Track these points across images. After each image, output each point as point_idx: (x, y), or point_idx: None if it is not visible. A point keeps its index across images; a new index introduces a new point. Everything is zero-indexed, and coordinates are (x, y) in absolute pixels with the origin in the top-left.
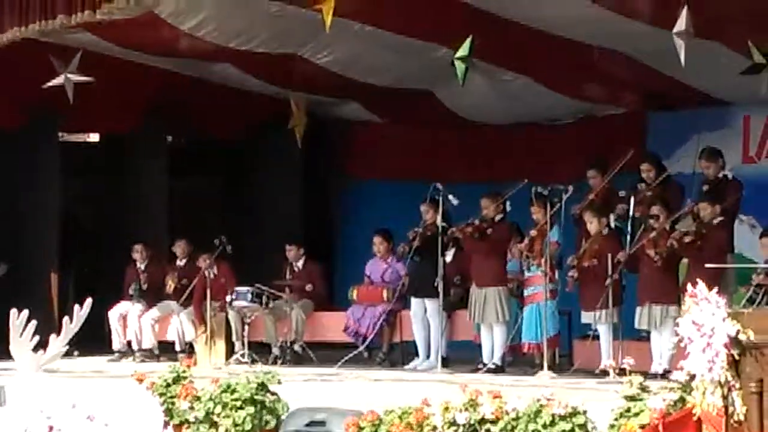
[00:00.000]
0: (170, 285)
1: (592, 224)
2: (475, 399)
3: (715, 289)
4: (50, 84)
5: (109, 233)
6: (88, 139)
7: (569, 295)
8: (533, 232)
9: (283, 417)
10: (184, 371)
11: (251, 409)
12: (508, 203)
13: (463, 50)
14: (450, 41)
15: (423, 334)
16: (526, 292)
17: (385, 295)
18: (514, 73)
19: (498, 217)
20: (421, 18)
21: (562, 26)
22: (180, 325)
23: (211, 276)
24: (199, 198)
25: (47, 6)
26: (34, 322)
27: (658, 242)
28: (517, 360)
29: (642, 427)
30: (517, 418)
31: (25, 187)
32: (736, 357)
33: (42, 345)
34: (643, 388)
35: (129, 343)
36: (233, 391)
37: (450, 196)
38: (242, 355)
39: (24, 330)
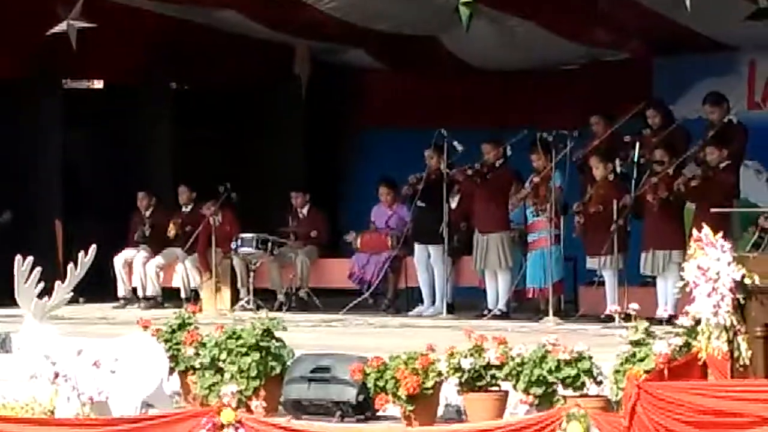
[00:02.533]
0: (171, 230)
1: (598, 170)
2: (481, 345)
3: (721, 234)
4: (53, 31)
5: (113, 180)
6: (92, 86)
7: (574, 241)
8: (537, 179)
9: (288, 363)
10: (189, 317)
11: (256, 356)
12: (508, 149)
13: None
14: None
15: (428, 280)
16: (530, 238)
17: (389, 242)
18: (520, 19)
19: (498, 163)
20: None
21: None
22: (185, 271)
23: (216, 223)
24: (204, 146)
25: None
26: (39, 269)
27: (659, 187)
28: (522, 306)
29: (647, 371)
30: (522, 364)
31: (29, 135)
32: (742, 301)
33: (47, 292)
34: (649, 333)
35: (134, 290)
36: (238, 338)
37: (455, 143)
38: (247, 302)
39: (29, 277)
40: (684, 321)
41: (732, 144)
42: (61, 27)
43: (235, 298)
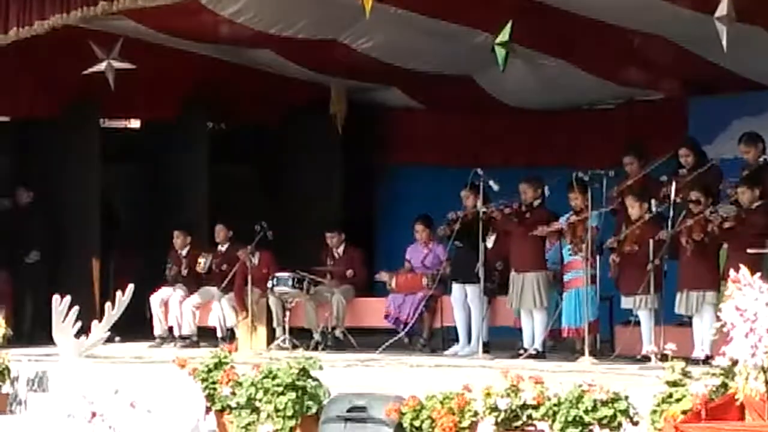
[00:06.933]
0: (201, 264)
1: (634, 209)
2: (517, 384)
3: (758, 274)
4: (91, 70)
5: (149, 219)
6: (129, 126)
7: (609, 281)
8: (574, 218)
9: (324, 402)
10: (225, 357)
11: (292, 395)
12: (546, 189)
13: (503, 36)
14: (490, 26)
15: (464, 319)
16: (566, 278)
17: (424, 281)
18: (555, 59)
19: (536, 203)
20: (461, 3)
21: (603, 11)
22: (221, 311)
23: (254, 264)
24: (240, 184)
25: None
26: (76, 308)
27: (693, 230)
28: (558, 345)
29: (684, 412)
30: (558, 404)
31: (66, 174)
32: None
33: (84, 331)
34: (685, 374)
35: (170, 329)
36: (275, 377)
37: (491, 182)
38: (283, 341)
39: (66, 316)
40: (721, 362)
41: (764, 184)
42: (99, 67)
43: (270, 338)
